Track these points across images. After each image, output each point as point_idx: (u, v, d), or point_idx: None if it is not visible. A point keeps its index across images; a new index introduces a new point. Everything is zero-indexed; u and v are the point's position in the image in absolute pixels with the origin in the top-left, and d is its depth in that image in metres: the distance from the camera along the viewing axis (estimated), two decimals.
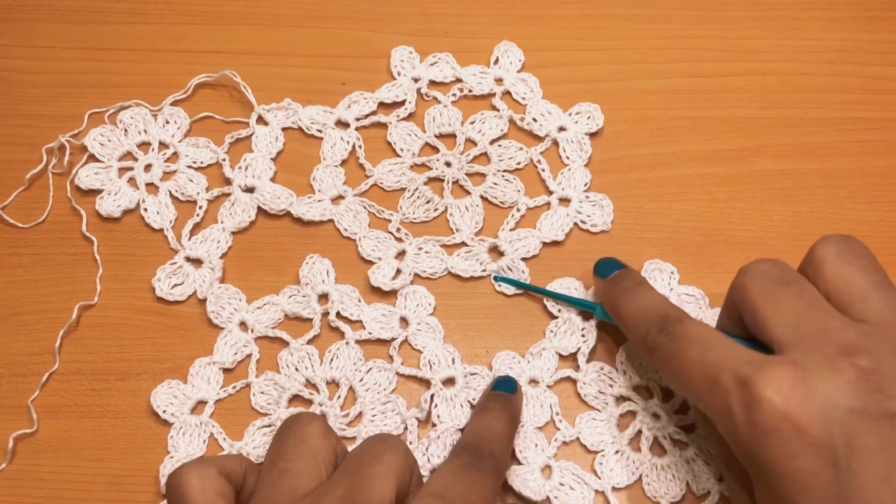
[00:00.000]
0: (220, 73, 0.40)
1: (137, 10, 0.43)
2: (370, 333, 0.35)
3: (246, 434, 0.33)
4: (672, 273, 0.36)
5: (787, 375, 0.24)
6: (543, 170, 0.38)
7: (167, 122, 0.40)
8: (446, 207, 0.37)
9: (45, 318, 0.35)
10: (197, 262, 0.36)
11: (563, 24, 0.43)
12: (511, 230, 0.37)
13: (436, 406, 0.33)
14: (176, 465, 0.28)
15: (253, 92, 0.40)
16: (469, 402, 0.33)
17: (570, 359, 0.35)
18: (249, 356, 0.34)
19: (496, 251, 0.37)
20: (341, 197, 0.38)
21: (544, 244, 0.37)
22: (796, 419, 0.24)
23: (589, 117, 0.40)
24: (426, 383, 0.34)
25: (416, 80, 0.41)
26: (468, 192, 0.38)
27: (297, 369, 0.34)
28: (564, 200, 0.38)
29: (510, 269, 0.36)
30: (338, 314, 0.35)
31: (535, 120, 0.40)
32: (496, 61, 0.41)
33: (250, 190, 0.38)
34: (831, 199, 0.39)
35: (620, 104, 0.41)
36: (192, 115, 0.40)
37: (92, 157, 0.39)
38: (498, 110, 0.40)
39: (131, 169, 0.38)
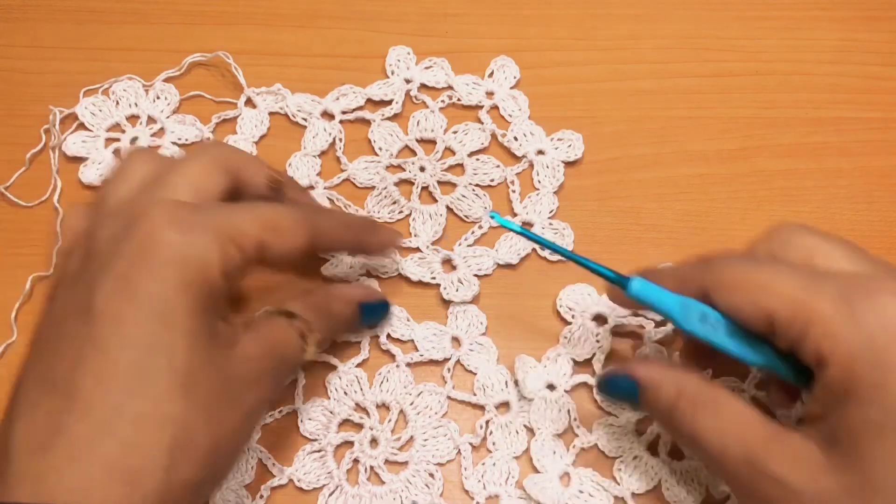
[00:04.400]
0: (214, 54, 0.40)
1: (137, 10, 0.43)
2: (422, 355, 0.34)
3: (296, 459, 0.32)
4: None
5: None
6: (514, 191, 0.38)
7: (158, 98, 0.40)
8: (411, 211, 0.37)
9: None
10: None
11: (563, 24, 0.43)
12: (469, 246, 0.37)
13: (491, 433, 0.33)
14: (225, 492, 0.31)
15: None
16: (525, 426, 0.33)
17: (585, 364, 0.34)
18: (296, 381, 0.33)
19: (449, 264, 0.36)
20: (311, 187, 0.38)
21: (498, 265, 0.36)
22: None
23: (569, 145, 0.39)
24: (479, 407, 0.33)
25: (407, 82, 0.41)
26: (436, 200, 0.38)
27: (346, 393, 0.33)
28: (527, 224, 0.37)
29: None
30: (388, 336, 0.34)
31: (515, 139, 0.39)
32: (491, 74, 0.41)
33: None
34: (831, 199, 0.39)
35: (620, 104, 0.41)
36: (183, 92, 0.40)
37: (82, 126, 0.39)
38: (482, 123, 0.40)
39: (118, 140, 0.39)
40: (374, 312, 0.33)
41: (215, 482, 0.28)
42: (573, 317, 0.35)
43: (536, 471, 0.32)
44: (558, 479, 0.32)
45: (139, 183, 0.28)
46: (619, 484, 0.32)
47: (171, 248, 0.25)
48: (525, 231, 0.30)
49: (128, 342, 0.24)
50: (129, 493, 0.22)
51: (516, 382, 0.33)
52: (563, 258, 0.30)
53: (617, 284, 0.28)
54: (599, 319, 0.35)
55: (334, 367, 0.34)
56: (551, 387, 0.33)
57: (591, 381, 0.34)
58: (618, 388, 0.29)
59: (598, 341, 0.34)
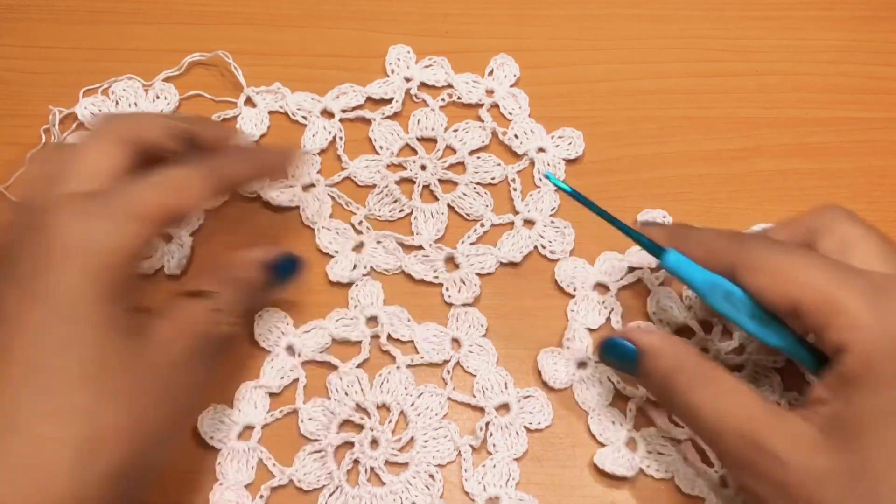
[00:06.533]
0: (213, 53, 0.40)
1: (137, 10, 0.43)
2: (422, 358, 0.34)
3: (296, 460, 0.32)
4: (665, 217, 0.37)
5: None
6: (515, 189, 0.38)
7: (157, 97, 0.40)
8: (412, 210, 0.37)
9: None
10: (167, 236, 0.37)
11: (563, 24, 0.43)
12: (471, 244, 0.37)
13: (491, 434, 0.33)
14: (225, 492, 0.31)
15: None
16: (525, 427, 0.33)
17: (600, 331, 0.35)
18: (296, 381, 0.34)
19: (452, 262, 0.36)
20: (313, 185, 0.38)
21: (501, 263, 0.36)
22: None
23: (570, 143, 0.39)
24: (479, 408, 0.33)
25: (407, 80, 0.41)
26: (437, 199, 0.38)
27: (346, 393, 0.33)
28: (529, 222, 0.37)
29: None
30: (389, 336, 0.34)
31: (516, 137, 0.39)
32: (490, 73, 0.41)
33: None
34: (831, 199, 0.38)
35: (620, 104, 0.41)
36: (182, 92, 0.40)
37: (82, 126, 0.39)
38: (483, 121, 0.40)
39: None
40: (283, 270, 0.32)
41: (147, 469, 0.26)
42: (574, 290, 0.35)
43: (602, 445, 0.32)
44: (625, 447, 0.32)
45: (39, 181, 0.27)
46: (681, 426, 0.32)
47: (69, 240, 0.24)
48: (575, 193, 0.31)
49: (32, 343, 0.23)
50: (40, 491, 0.22)
51: (544, 383, 0.34)
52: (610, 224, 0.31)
53: (653, 254, 0.30)
54: (600, 288, 0.36)
55: (335, 368, 0.34)
56: (582, 364, 0.34)
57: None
58: (618, 351, 0.30)
59: (605, 306, 0.35)
